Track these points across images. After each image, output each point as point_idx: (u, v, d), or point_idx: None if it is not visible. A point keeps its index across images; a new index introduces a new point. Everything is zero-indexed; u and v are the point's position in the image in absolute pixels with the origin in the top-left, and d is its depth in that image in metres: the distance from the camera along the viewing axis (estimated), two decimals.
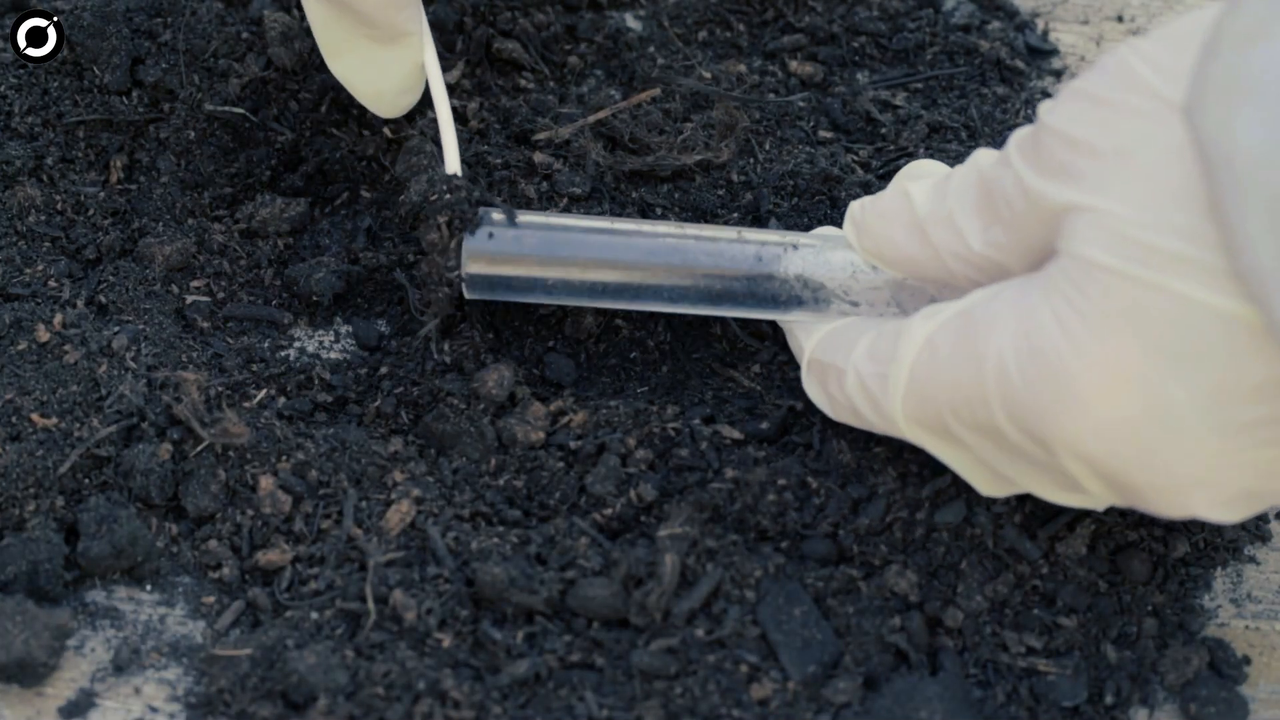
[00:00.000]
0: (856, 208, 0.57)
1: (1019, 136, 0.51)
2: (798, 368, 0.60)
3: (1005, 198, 0.51)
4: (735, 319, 0.65)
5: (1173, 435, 0.47)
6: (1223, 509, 0.49)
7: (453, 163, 0.63)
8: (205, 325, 0.65)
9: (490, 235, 0.60)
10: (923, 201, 0.54)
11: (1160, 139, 0.47)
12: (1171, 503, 0.49)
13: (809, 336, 0.58)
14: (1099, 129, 0.48)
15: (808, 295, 0.58)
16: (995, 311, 0.50)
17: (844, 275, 0.58)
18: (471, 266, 0.60)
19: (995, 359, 0.50)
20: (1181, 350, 0.46)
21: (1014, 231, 0.51)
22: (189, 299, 0.66)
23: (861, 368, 0.54)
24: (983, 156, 0.53)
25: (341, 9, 0.62)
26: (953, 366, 0.51)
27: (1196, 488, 0.49)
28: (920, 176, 0.58)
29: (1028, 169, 0.50)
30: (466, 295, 0.61)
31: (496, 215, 0.61)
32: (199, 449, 0.59)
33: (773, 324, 0.64)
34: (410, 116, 0.71)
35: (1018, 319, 0.49)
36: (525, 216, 0.60)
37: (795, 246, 0.59)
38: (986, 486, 0.55)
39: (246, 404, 0.61)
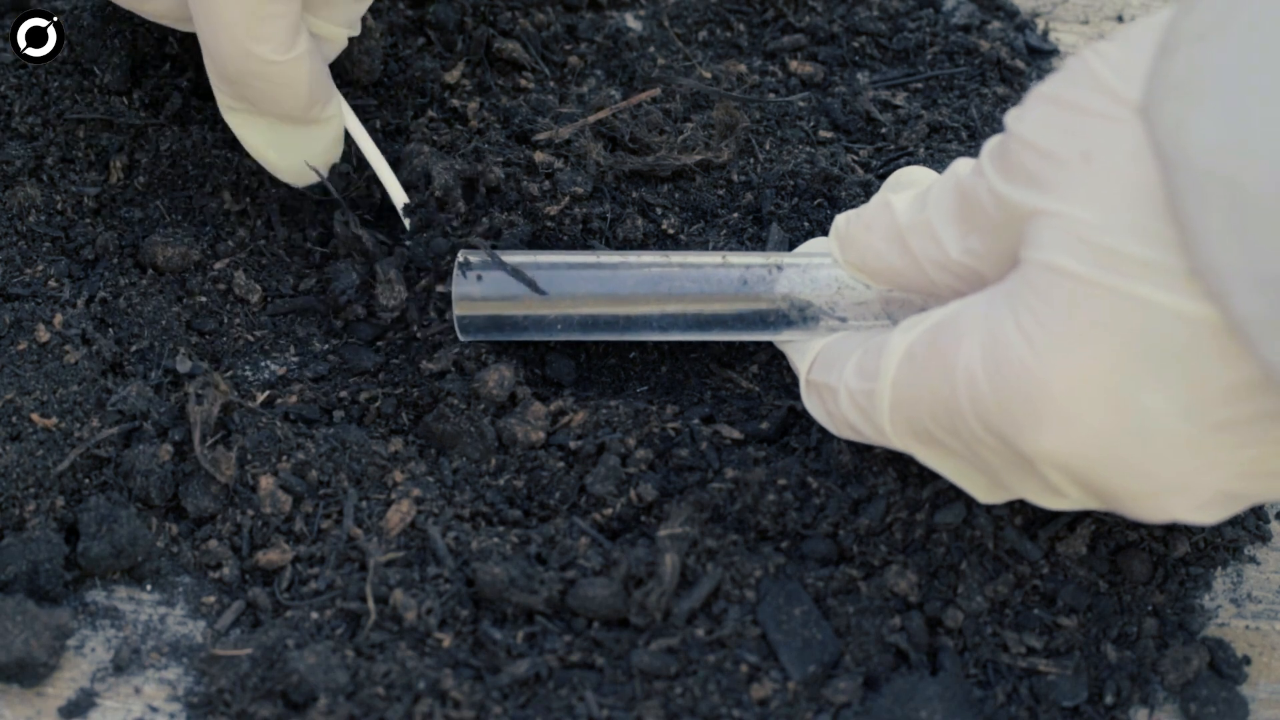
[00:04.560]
0: (841, 221, 0.57)
1: (990, 144, 0.51)
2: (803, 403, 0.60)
3: (980, 206, 0.51)
4: None
5: (1145, 441, 0.47)
6: (1200, 512, 0.49)
7: (399, 198, 0.66)
8: (207, 325, 0.65)
9: (479, 278, 0.60)
10: (903, 211, 0.54)
11: (1121, 141, 0.46)
12: (1149, 507, 0.49)
13: (803, 358, 0.58)
14: (1062, 133, 0.48)
15: (795, 315, 0.58)
16: (964, 322, 0.50)
17: (830, 292, 0.58)
18: (462, 309, 0.61)
19: (965, 370, 0.49)
20: (1149, 355, 0.46)
21: (989, 239, 0.51)
22: (189, 299, 0.66)
23: (851, 385, 0.54)
24: (961, 165, 0.53)
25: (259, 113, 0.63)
26: (928, 378, 0.51)
27: (1173, 492, 0.48)
28: (904, 186, 0.58)
29: (997, 176, 0.50)
30: (460, 338, 0.62)
31: (483, 258, 0.61)
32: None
33: None
34: (414, 114, 0.71)
35: (985, 329, 0.49)
36: (511, 257, 0.61)
37: (780, 267, 0.59)
38: (983, 494, 0.55)
39: (250, 404, 0.61)
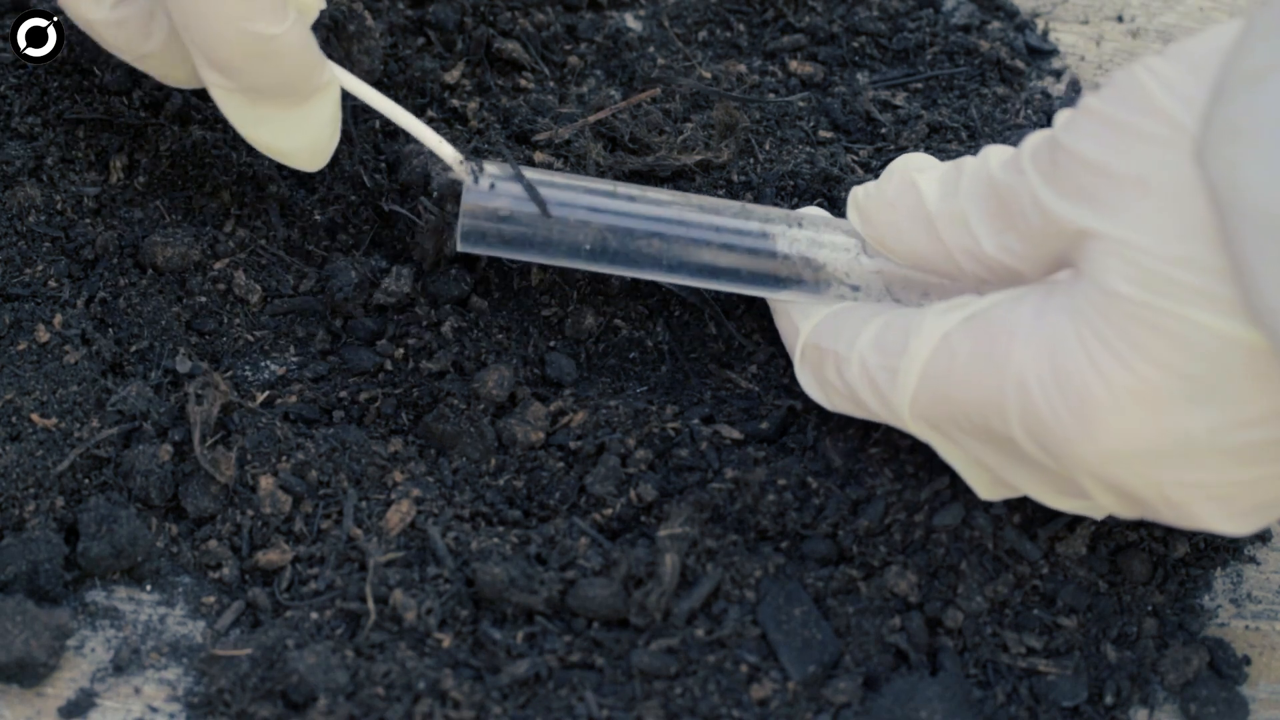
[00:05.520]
0: (860, 193, 0.57)
1: (1034, 147, 0.51)
2: (794, 369, 0.59)
3: (1021, 210, 0.51)
4: (729, 318, 0.65)
5: (1192, 458, 0.48)
6: (1234, 522, 0.50)
7: (448, 154, 0.60)
8: (207, 325, 0.65)
9: (491, 186, 0.58)
10: (933, 196, 0.54)
11: (1177, 167, 0.46)
12: (1184, 516, 0.50)
13: (806, 319, 0.57)
14: (1115, 153, 0.48)
15: (809, 275, 0.58)
16: (1017, 324, 0.50)
17: (847, 257, 0.57)
18: (469, 218, 0.59)
19: (1017, 376, 0.49)
20: (1205, 377, 0.47)
21: (1029, 243, 0.51)
22: (189, 299, 0.66)
23: (868, 358, 0.54)
24: (993, 156, 0.52)
25: (254, 96, 0.60)
26: (970, 373, 0.51)
27: (1210, 503, 0.49)
28: (914, 170, 0.58)
29: (1044, 186, 0.50)
30: (460, 247, 0.60)
31: (499, 168, 0.59)
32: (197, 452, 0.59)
33: (767, 326, 0.64)
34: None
35: (1042, 338, 0.49)
36: (529, 173, 0.59)
37: (800, 224, 0.58)
38: (985, 489, 0.55)
39: (250, 404, 0.61)
